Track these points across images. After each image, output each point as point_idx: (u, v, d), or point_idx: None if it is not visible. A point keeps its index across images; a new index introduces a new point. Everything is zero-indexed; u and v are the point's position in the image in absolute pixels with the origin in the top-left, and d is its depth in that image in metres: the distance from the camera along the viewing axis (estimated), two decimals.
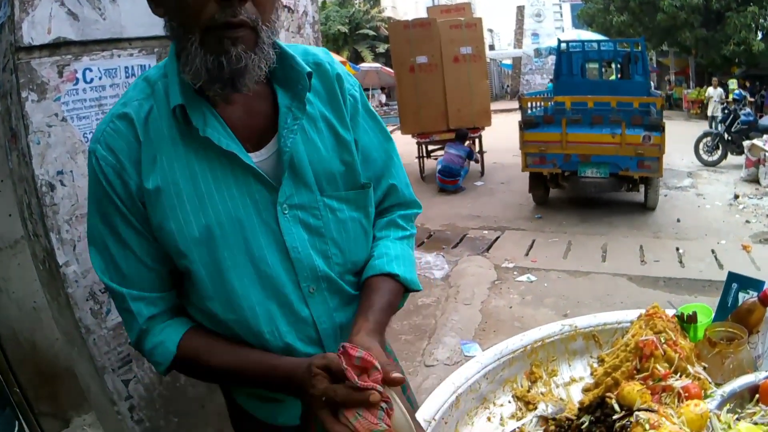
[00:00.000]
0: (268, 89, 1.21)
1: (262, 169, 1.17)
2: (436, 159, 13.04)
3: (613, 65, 12.66)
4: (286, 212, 1.19)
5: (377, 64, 28.83)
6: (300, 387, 1.05)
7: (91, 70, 1.91)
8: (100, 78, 1.94)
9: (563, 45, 11.50)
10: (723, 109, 14.13)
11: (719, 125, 13.12)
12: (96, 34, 1.92)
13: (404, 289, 1.33)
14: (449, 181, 11.20)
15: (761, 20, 22.03)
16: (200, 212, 1.15)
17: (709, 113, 19.03)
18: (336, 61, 1.33)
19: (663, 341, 1.27)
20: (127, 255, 1.18)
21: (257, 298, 1.19)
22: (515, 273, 6.60)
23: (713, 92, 19.44)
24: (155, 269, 1.20)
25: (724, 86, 22.68)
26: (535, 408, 1.37)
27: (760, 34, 22.36)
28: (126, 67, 2.01)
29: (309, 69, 1.19)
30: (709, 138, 12.99)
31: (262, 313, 1.20)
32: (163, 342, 1.20)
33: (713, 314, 1.46)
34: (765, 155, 10.51)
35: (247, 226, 1.17)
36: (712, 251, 6.87)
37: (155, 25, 2.06)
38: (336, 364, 0.99)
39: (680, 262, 6.69)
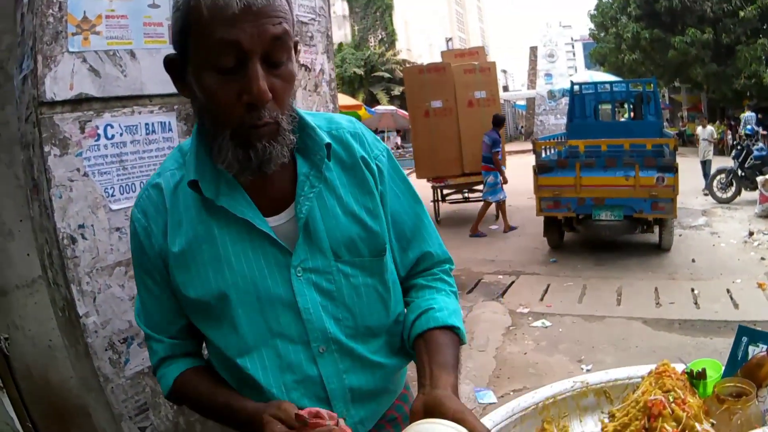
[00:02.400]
0: (290, 158, 1.27)
1: (279, 233, 1.25)
2: (451, 203, 13.12)
3: (626, 105, 12.69)
4: (300, 275, 1.25)
5: (392, 107, 29.03)
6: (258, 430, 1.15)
7: (112, 126, 1.96)
8: (120, 134, 1.98)
9: (576, 87, 11.59)
10: (736, 145, 13.88)
11: (733, 161, 12.98)
12: (117, 90, 1.98)
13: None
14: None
15: None
16: (219, 273, 1.24)
17: (699, 157, 14.96)
18: (363, 128, 1.40)
19: (671, 400, 1.27)
20: (153, 304, 1.34)
21: (268, 353, 1.27)
22: (530, 318, 6.56)
23: (702, 132, 15.23)
24: (174, 320, 1.35)
25: (736, 120, 22.41)
26: None
27: None
28: (146, 124, 2.05)
29: (327, 140, 1.27)
30: (723, 175, 12.94)
31: (272, 368, 1.27)
32: (165, 375, 1.37)
33: (723, 369, 1.46)
34: None
35: (261, 287, 1.24)
36: (728, 291, 6.81)
37: None
38: (287, 414, 1.10)
39: (695, 303, 6.61)
